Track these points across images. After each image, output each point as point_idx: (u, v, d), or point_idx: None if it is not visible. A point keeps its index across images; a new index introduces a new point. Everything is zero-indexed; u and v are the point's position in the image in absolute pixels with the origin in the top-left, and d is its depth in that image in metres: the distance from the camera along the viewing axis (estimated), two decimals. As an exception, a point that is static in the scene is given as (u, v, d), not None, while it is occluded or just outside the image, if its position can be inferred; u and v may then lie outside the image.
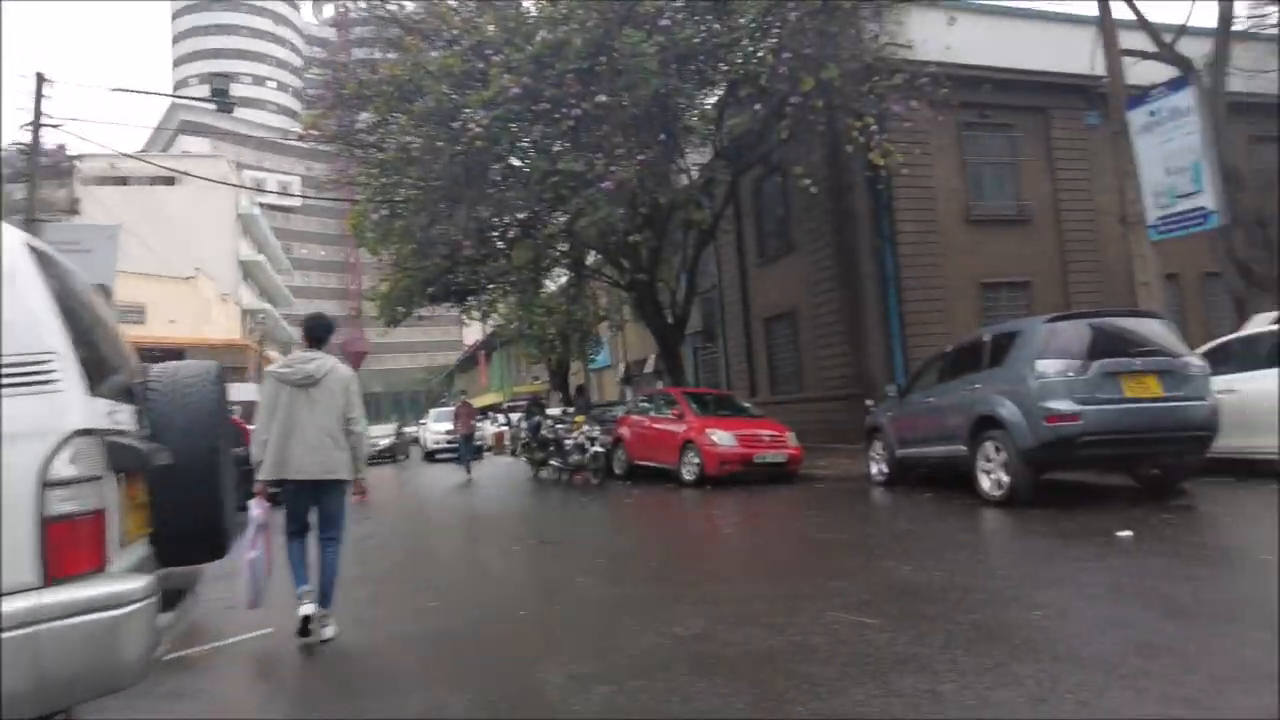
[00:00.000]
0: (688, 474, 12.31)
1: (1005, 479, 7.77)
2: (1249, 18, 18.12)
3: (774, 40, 13.92)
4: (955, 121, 17.08)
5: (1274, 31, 19.01)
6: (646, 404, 14.81)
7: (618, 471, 14.47)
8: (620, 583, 5.80)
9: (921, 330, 16.41)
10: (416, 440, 32.74)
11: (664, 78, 12.92)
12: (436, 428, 27.32)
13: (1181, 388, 7.35)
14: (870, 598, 4.62)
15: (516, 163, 15.29)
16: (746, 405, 14.42)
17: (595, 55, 12.77)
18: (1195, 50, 14.10)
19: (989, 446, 7.99)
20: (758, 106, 14.00)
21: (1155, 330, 7.79)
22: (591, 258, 20.59)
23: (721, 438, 12.04)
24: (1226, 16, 12.97)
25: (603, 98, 12.35)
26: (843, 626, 4.01)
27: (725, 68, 14.42)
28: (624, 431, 14.55)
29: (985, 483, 8.07)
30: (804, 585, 5.10)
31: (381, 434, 28.87)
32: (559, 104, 12.73)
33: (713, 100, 16.34)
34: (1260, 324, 9.93)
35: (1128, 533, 5.84)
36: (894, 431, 10.29)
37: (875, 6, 14.74)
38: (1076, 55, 15.27)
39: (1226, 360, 8.58)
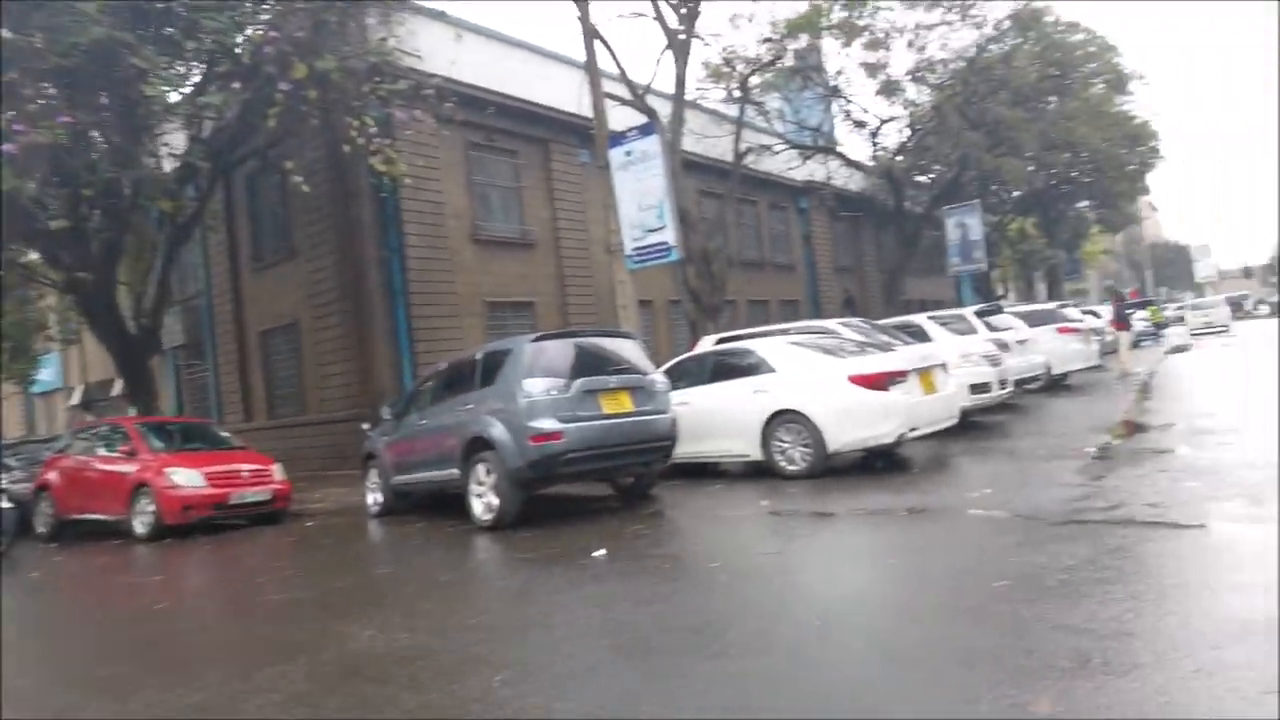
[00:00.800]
0: (141, 526, 9.87)
1: (495, 501, 7.47)
2: (698, 89, 21.59)
3: (265, 17, 12.23)
4: (463, 141, 17.13)
5: (715, 105, 22.93)
6: (86, 440, 11.72)
7: (41, 530, 11.17)
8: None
9: (431, 347, 15.92)
10: None
11: (112, 30, 10.35)
12: None
13: (649, 402, 7.81)
14: (310, 687, 3.64)
15: None
16: (225, 435, 12.26)
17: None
18: (663, 108, 16.20)
19: (480, 469, 7.62)
20: (237, 85, 12.09)
21: (628, 349, 8.21)
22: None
23: (186, 477, 9.90)
24: (681, 80, 14.95)
25: (7, 33, 9.35)
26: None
27: (204, 37, 12.24)
28: (51, 477, 11.30)
29: (477, 507, 7.68)
30: (230, 682, 3.90)
31: None
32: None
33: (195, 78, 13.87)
34: (708, 344, 11.41)
35: (602, 552, 5.80)
36: (389, 457, 9.45)
37: (383, 8, 13.92)
38: (572, 95, 16.45)
39: (682, 376, 9.53)
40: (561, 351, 7.73)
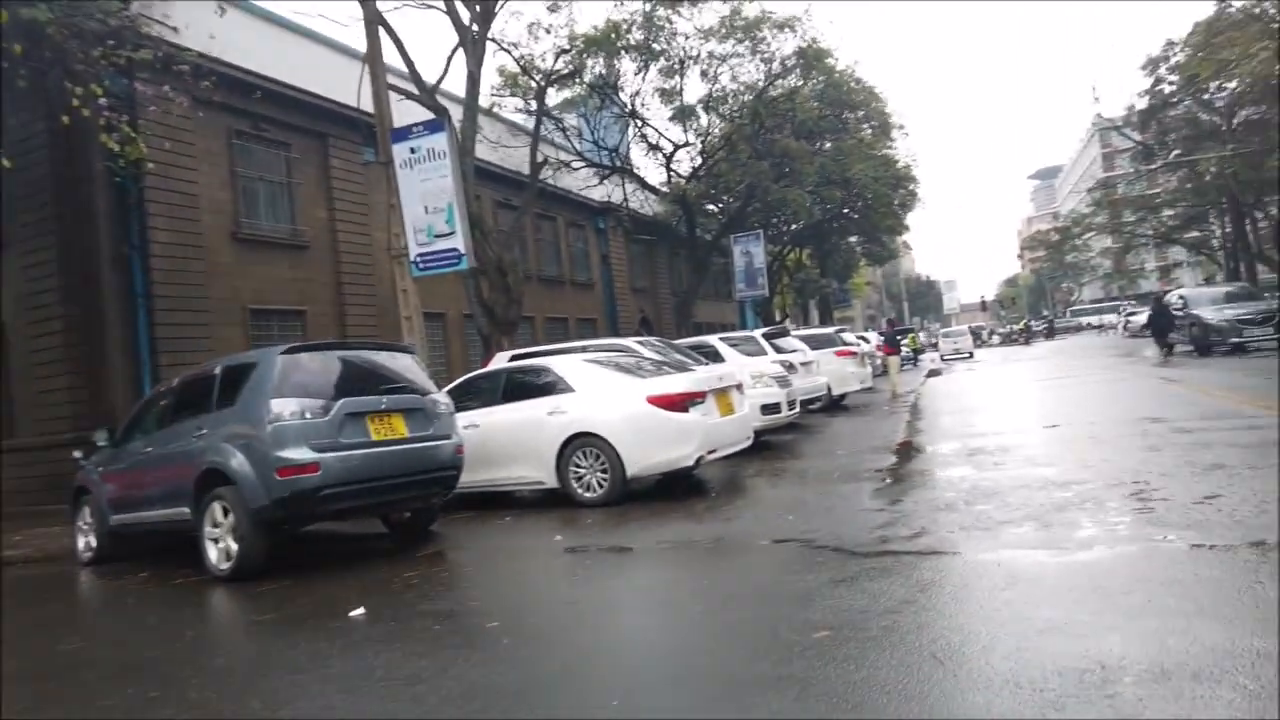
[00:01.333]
0: None
1: (235, 547, 6.13)
2: (493, 95, 20.73)
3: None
4: (226, 128, 15.10)
5: (512, 115, 22.15)
6: None
7: None
8: None
9: (179, 359, 13.63)
10: None
11: None
12: None
13: (428, 426, 6.81)
14: None
15: None
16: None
17: None
18: (457, 112, 15.16)
19: (216, 508, 6.24)
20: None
21: (405, 366, 7.16)
22: None
23: None
24: (474, 80, 14.03)
25: None
26: None
27: None
28: None
29: (213, 553, 6.29)
30: None
31: None
32: None
33: None
34: (502, 362, 10.53)
35: (360, 611, 4.76)
36: (107, 492, 7.70)
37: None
38: (353, 88, 14.96)
39: (470, 396, 8.59)
40: (321, 366, 6.55)
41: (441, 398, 7.16)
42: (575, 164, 22.42)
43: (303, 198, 16.95)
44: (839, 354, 16.01)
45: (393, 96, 12.58)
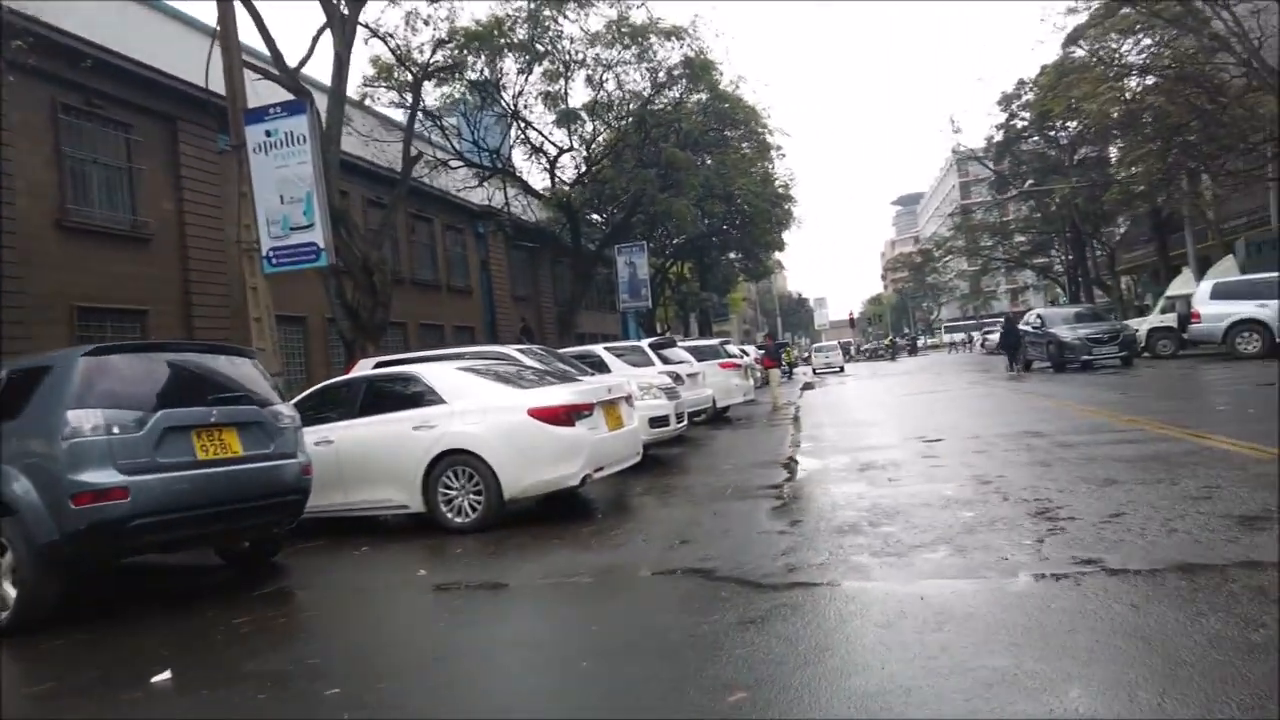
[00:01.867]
0: None
1: (13, 593, 4.95)
2: (365, 86, 19.43)
3: None
4: (50, 99, 13.27)
5: (387, 109, 20.86)
6: None
7: None
8: None
9: (-18, 363, 11.76)
10: None
11: None
12: None
13: (268, 443, 5.80)
14: None
15: None
16: None
17: None
18: (323, 101, 13.91)
19: (-10, 545, 5.04)
20: None
21: (243, 372, 6.11)
22: None
23: None
24: (342, 63, 12.90)
25: None
26: None
27: None
28: None
29: (-14, 601, 5.07)
30: None
31: None
32: None
33: None
34: (365, 369, 9.50)
35: (165, 675, 3.79)
36: None
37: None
38: (213, 71, 13.46)
39: (325, 408, 7.59)
40: (136, 372, 5.45)
41: (286, 410, 6.15)
42: (454, 163, 21.32)
43: (147, 186, 15.16)
44: (723, 366, 15.73)
45: (250, 77, 11.30)
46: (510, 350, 9.86)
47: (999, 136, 39.31)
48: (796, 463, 8.93)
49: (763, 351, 24.12)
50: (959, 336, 70.21)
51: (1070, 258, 40.57)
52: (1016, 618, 3.44)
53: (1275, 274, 17.85)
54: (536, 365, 9.21)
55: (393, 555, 6.49)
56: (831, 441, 10.63)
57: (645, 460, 8.22)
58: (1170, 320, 21.09)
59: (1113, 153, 38.22)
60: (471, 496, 6.78)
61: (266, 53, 13.33)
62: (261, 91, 12.53)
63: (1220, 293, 18.28)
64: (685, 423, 10.97)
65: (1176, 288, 23.42)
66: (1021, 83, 38.24)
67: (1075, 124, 36.54)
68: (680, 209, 21.72)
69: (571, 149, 23.09)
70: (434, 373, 7.36)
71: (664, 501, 7.53)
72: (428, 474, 6.90)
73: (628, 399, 7.90)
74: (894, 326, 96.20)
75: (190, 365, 5.88)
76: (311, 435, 7.15)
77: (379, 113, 19.45)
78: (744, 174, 26.38)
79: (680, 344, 15.32)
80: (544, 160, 23.65)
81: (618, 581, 4.84)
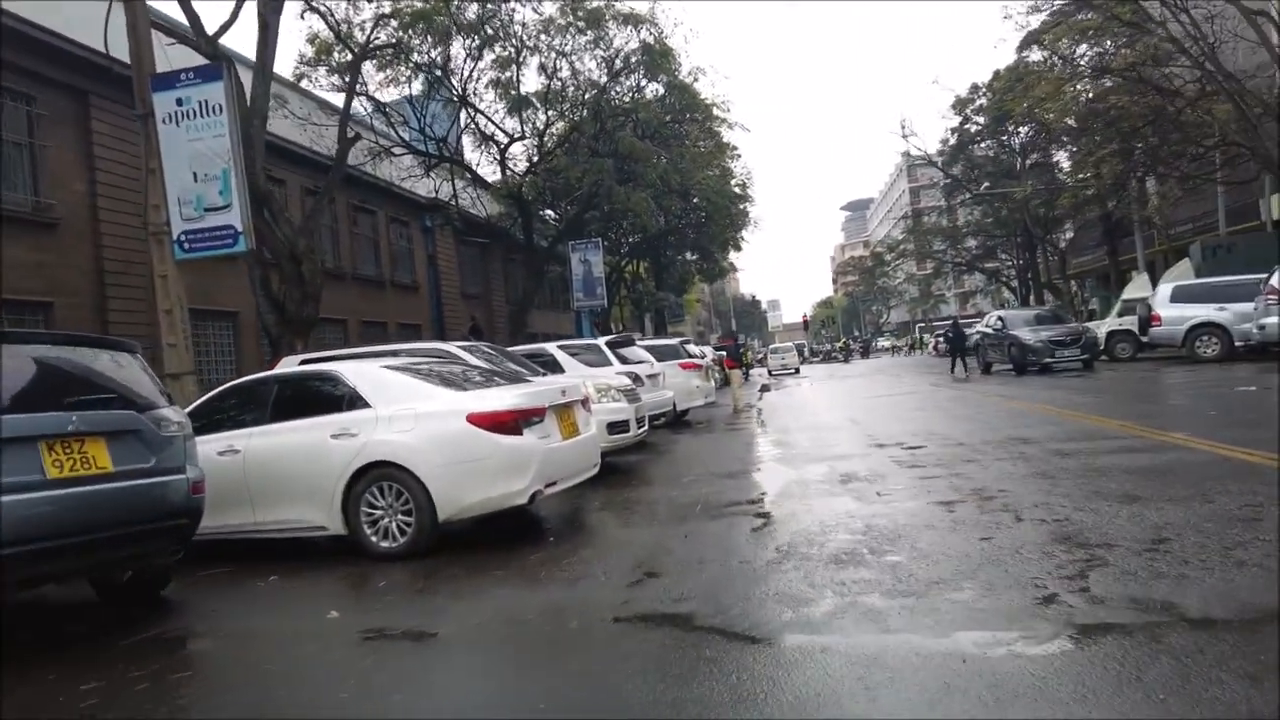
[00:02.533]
0: None
1: None
2: (301, 64, 18.12)
3: None
4: (-61, 65, 11.82)
5: (323, 92, 19.52)
6: None
7: None
8: None
9: None
10: None
11: None
12: None
13: (147, 456, 4.72)
14: None
15: None
16: None
17: None
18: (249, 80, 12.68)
19: None
20: None
21: (121, 369, 5.00)
22: None
23: None
24: (267, 29, 11.69)
25: None
26: None
27: None
28: None
29: None
30: None
31: None
32: None
33: None
34: (290, 365, 8.39)
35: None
36: None
37: None
38: (108, 28, 12.12)
39: (229, 413, 6.49)
40: (-36, 368, 4.33)
41: (173, 415, 5.06)
42: (397, 150, 20.09)
43: (53, 164, 13.71)
44: (684, 366, 14.88)
45: (161, 41, 10.10)
46: (453, 347, 8.84)
47: (953, 140, 39.35)
48: (765, 472, 8.10)
49: (722, 352, 23.39)
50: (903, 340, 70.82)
51: (1022, 261, 40.81)
52: (1105, 696, 2.59)
53: (1233, 278, 17.70)
54: (482, 365, 8.22)
55: (303, 589, 5.43)
56: (803, 449, 9.82)
57: (603, 470, 7.28)
58: (1129, 323, 20.91)
59: (1063, 158, 38.61)
60: (400, 517, 5.77)
61: (185, 21, 12.07)
62: (178, 62, 11.28)
63: (1180, 296, 18.08)
64: (646, 428, 10.06)
65: (1132, 291, 23.33)
66: (975, 87, 38.36)
67: (1029, 128, 36.82)
68: (638, 202, 20.82)
69: (523, 137, 21.97)
70: (358, 372, 6.32)
71: (625, 520, 6.61)
72: (349, 490, 5.87)
73: (584, 402, 6.96)
74: (845, 329, 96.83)
75: (49, 361, 4.75)
76: (214, 444, 6.09)
77: (319, 97, 18.17)
78: (702, 169, 25.58)
79: (639, 343, 14.43)
80: (494, 150, 22.48)
81: (572, 632, 3.90)
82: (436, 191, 23.81)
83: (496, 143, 22.20)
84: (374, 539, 5.83)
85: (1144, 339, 19.18)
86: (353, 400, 6.15)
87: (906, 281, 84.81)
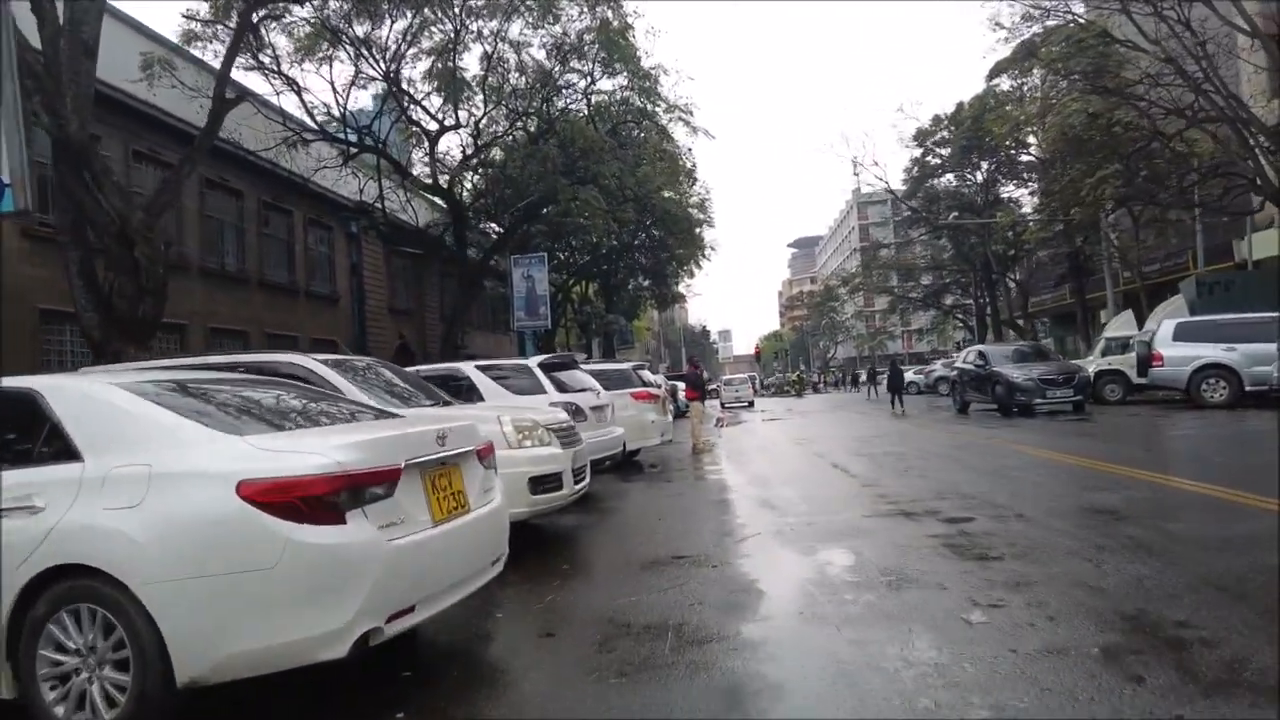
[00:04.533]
0: None
1: None
2: (185, 20, 15.16)
3: None
4: None
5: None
6: None
7: None
8: None
9: None
10: None
11: None
12: None
13: None
14: None
15: None
16: None
17: None
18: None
19: None
20: None
21: None
22: None
23: None
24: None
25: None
26: None
27: None
28: None
29: None
30: None
31: None
32: None
33: None
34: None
35: None
36: None
37: None
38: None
39: None
40: None
41: None
42: (309, 136, 17.17)
43: None
44: (637, 397, 12.23)
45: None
46: (307, 360, 6.03)
47: (915, 170, 37.95)
48: (758, 558, 5.46)
49: (675, 382, 20.84)
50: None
51: (983, 298, 39.40)
52: None
53: (1242, 315, 15.90)
54: (343, 384, 5.46)
55: None
56: (798, 513, 7.22)
57: (515, 547, 4.54)
58: (1118, 363, 19.03)
59: (1025, 195, 37.47)
60: (111, 675, 2.97)
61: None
62: None
63: (1185, 334, 16.19)
64: (586, 480, 7.31)
65: (1116, 328, 21.58)
66: (938, 119, 37.10)
67: (992, 163, 35.60)
68: (588, 201, 18.13)
69: (458, 126, 19.10)
70: (63, 392, 3.49)
71: (546, 675, 3.84)
72: (19, 616, 3.06)
73: (483, 455, 4.20)
74: (793, 363, 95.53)
75: None
76: None
77: (208, 65, 15.17)
78: (661, 174, 23.07)
79: (583, 366, 11.74)
80: (424, 140, 19.48)
81: None
82: (361, 191, 20.86)
83: (426, 132, 19.23)
84: (60, 712, 3.01)
85: (1141, 380, 17.24)
86: (51, 441, 3.33)
87: (854, 317, 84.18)
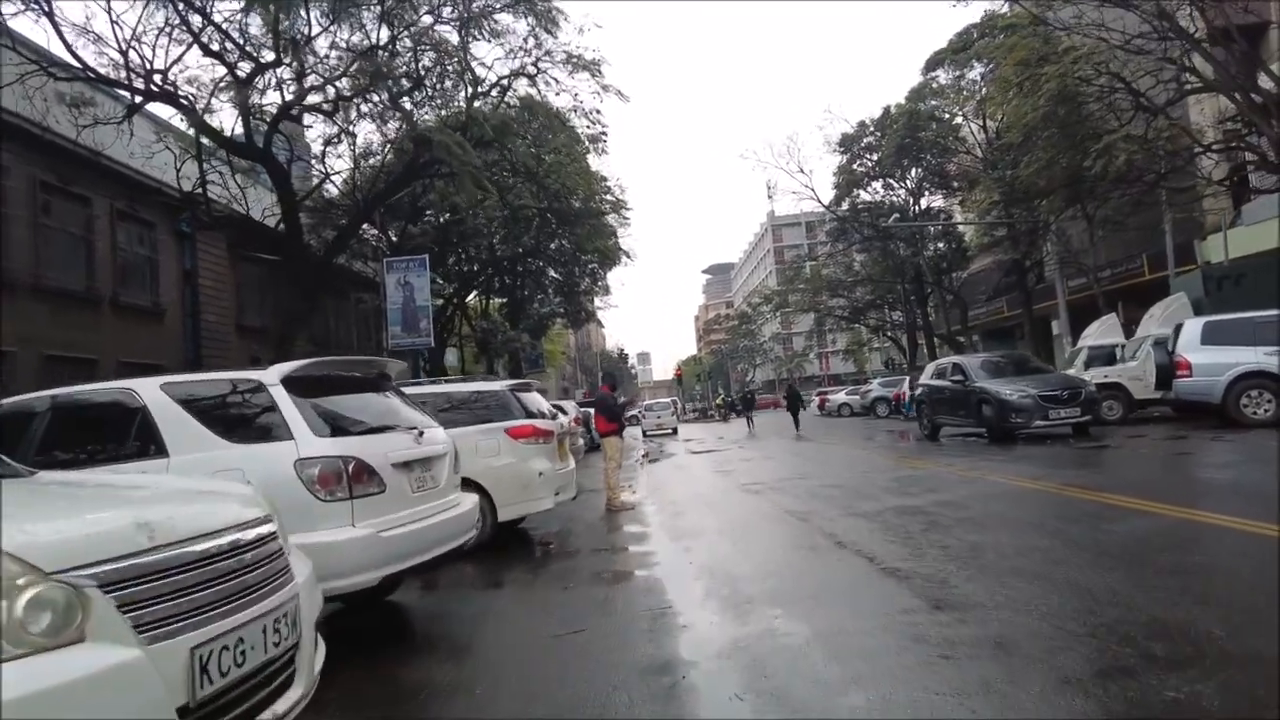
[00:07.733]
0: None
1: None
2: None
3: None
4: None
5: None
6: None
7: None
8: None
9: None
10: None
11: None
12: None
13: None
14: None
15: None
16: None
17: None
18: None
19: None
20: None
21: None
22: None
23: None
24: None
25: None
26: None
27: None
28: None
29: None
30: None
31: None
32: None
33: None
34: None
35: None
36: None
37: None
38: None
39: None
40: None
41: None
42: (58, 71, 12.02)
43: None
44: (516, 434, 7.61)
45: None
46: None
47: (842, 178, 34.87)
48: None
49: (589, 410, 16.38)
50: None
51: (918, 311, 36.37)
52: None
53: (1281, 312, 12.56)
54: None
55: None
56: (834, 683, 2.81)
57: None
58: (1117, 374, 15.58)
59: (948, 208, 34.88)
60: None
61: None
62: None
63: (1214, 335, 12.75)
64: (309, 693, 2.70)
65: (1099, 336, 18.28)
66: (863, 125, 34.23)
67: (921, 170, 32.85)
68: (447, 144, 13.27)
69: (279, 63, 13.93)
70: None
71: None
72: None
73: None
74: (712, 388, 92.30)
75: None
76: None
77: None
78: (573, 161, 18.68)
79: (414, 388, 7.09)
80: (226, 74, 14.02)
81: None
82: (176, 171, 15.62)
83: (228, 63, 13.87)
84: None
85: (1161, 394, 13.77)
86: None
87: (772, 339, 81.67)
